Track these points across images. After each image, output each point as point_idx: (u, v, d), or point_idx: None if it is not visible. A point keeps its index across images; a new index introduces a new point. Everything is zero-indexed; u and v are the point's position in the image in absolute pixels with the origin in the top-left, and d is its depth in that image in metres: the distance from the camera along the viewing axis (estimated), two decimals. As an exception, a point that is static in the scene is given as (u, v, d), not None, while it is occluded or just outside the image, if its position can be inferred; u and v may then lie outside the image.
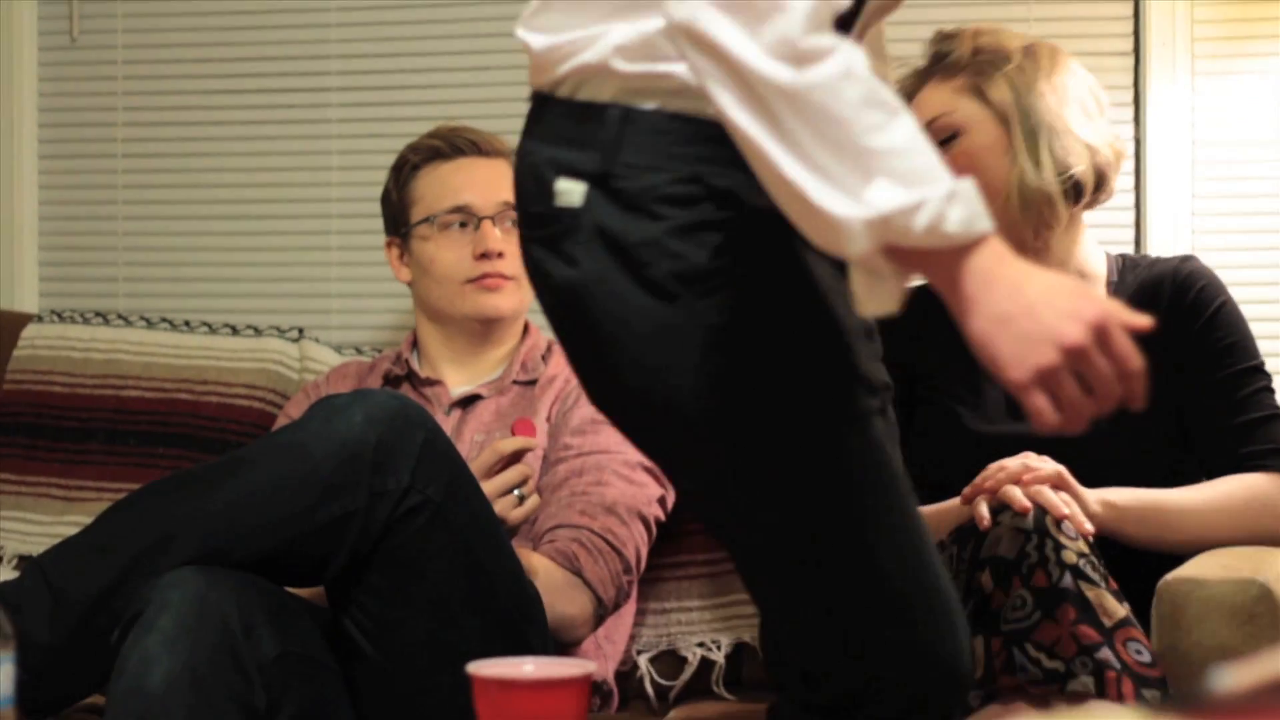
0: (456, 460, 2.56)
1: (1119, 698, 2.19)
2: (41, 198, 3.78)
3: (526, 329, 3.19)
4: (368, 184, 3.54)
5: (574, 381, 3.01)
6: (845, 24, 1.86)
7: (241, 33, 3.70)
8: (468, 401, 3.07)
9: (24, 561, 3.29)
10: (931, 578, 1.95)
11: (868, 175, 1.75)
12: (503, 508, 2.72)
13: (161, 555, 2.43)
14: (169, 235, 3.73)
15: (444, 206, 3.13)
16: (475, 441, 3.00)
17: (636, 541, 2.88)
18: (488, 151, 3.18)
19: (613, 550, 2.83)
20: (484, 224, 3.10)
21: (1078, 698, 2.22)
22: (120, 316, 3.57)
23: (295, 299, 3.66)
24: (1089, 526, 2.34)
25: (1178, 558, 2.45)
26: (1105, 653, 2.22)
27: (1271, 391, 2.62)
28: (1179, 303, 2.63)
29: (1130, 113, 3.31)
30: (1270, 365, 2.69)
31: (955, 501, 2.44)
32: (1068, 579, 2.25)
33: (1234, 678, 0.94)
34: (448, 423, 3.03)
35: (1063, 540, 2.28)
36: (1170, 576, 2.36)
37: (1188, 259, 2.71)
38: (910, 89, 2.70)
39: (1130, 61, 3.34)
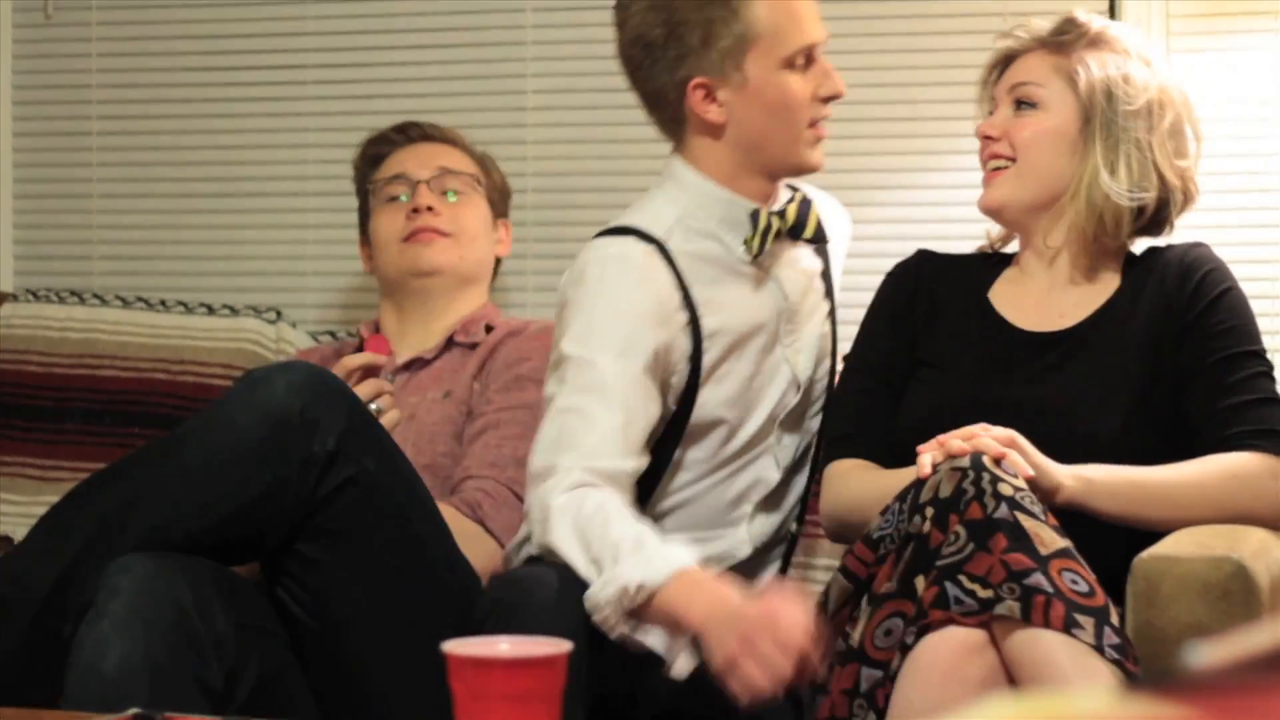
0: (383, 430, 2.60)
1: (1045, 622, 2.19)
2: (16, 175, 3.77)
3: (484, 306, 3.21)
4: (344, 162, 3.54)
5: (508, 342, 3.04)
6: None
7: (218, 9, 3.69)
8: (412, 366, 3.09)
9: (1, 541, 3.30)
10: None
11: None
12: None
13: (105, 546, 2.43)
14: (144, 214, 3.72)
15: (384, 178, 3.22)
16: (409, 403, 3.03)
17: None
18: (436, 138, 3.27)
19: (519, 501, 2.84)
20: (419, 186, 3.17)
21: (1004, 622, 2.21)
22: (96, 296, 3.56)
23: (271, 278, 3.66)
24: (1029, 470, 2.35)
25: (1152, 536, 2.45)
26: (1036, 578, 2.21)
27: (1270, 378, 2.63)
28: (1183, 286, 2.65)
29: (1106, 90, 3.31)
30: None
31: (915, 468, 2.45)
32: (1003, 509, 2.25)
33: (1207, 655, 0.94)
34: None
35: (1000, 474, 2.28)
36: (1145, 554, 2.36)
37: (1197, 245, 2.74)
38: (1017, 51, 2.75)
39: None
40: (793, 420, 2.79)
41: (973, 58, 2.97)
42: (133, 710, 2.21)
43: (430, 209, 3.16)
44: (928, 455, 2.36)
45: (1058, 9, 3.11)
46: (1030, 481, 2.35)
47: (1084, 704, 0.89)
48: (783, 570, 2.85)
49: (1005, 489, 2.27)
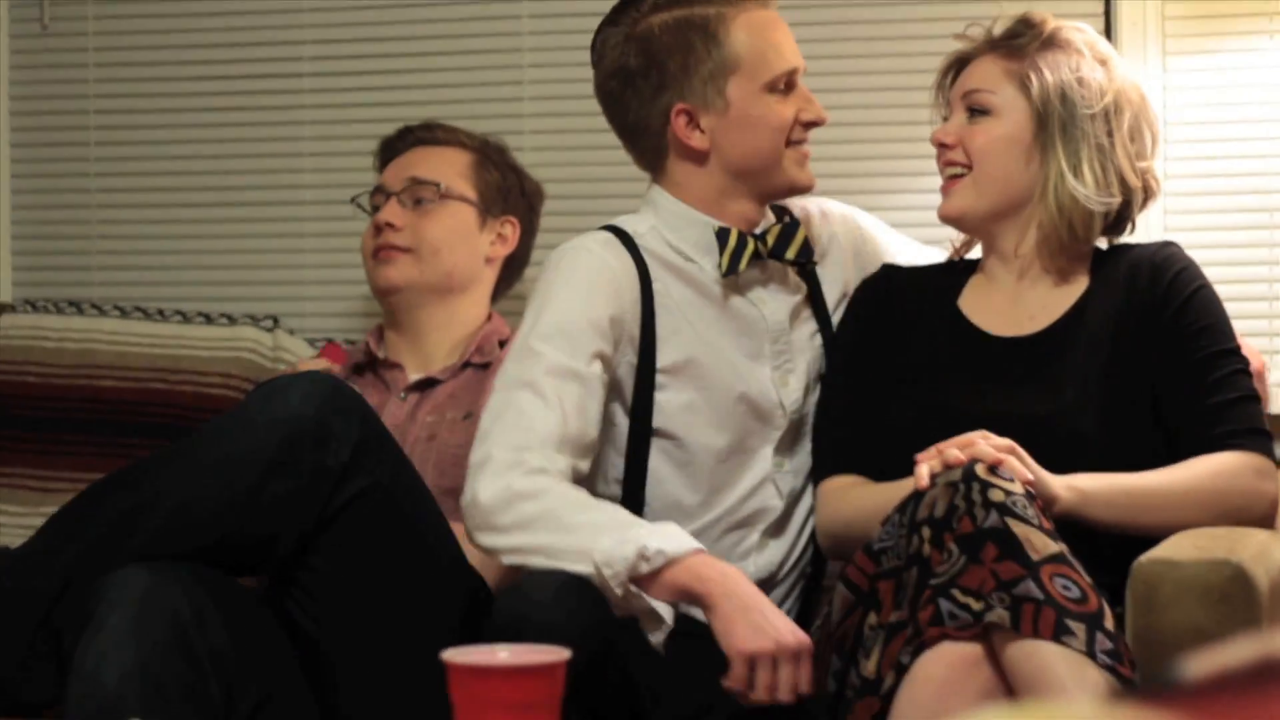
0: (395, 444, 2.59)
1: (1035, 631, 2.19)
2: (14, 186, 3.77)
3: (490, 317, 3.19)
4: (341, 170, 3.55)
5: None
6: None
7: (215, 19, 3.69)
8: (424, 386, 3.07)
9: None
10: None
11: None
12: None
13: (112, 550, 2.43)
14: (142, 224, 3.72)
15: (372, 190, 3.22)
16: (426, 423, 3.02)
17: None
18: (429, 141, 3.24)
19: None
20: (390, 199, 3.16)
21: (998, 632, 2.21)
22: (94, 306, 3.56)
23: (269, 287, 3.66)
24: (1028, 475, 2.35)
25: (1150, 541, 2.45)
26: (1027, 585, 2.21)
27: (1246, 374, 2.63)
28: (1156, 286, 2.64)
29: (1102, 93, 3.31)
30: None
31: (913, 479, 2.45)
32: (993, 517, 2.25)
33: (1200, 665, 0.94)
34: (403, 406, 3.05)
35: (991, 481, 2.28)
36: (1144, 558, 2.36)
37: (1167, 244, 2.73)
38: (969, 55, 2.73)
39: (1107, 50, 3.34)
40: (790, 446, 2.77)
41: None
42: None
43: (390, 225, 3.13)
44: (925, 466, 2.36)
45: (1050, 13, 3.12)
46: (1028, 488, 2.35)
47: (1075, 714, 0.89)
48: (806, 600, 2.82)
49: (996, 495, 2.27)
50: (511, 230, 3.23)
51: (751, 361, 2.73)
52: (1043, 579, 2.22)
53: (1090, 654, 2.19)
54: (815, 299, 2.82)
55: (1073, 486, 2.46)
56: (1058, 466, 2.47)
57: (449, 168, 3.19)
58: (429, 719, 2.16)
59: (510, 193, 3.25)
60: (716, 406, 2.71)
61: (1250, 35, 3.27)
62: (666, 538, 2.40)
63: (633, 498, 2.68)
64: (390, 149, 3.27)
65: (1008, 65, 2.67)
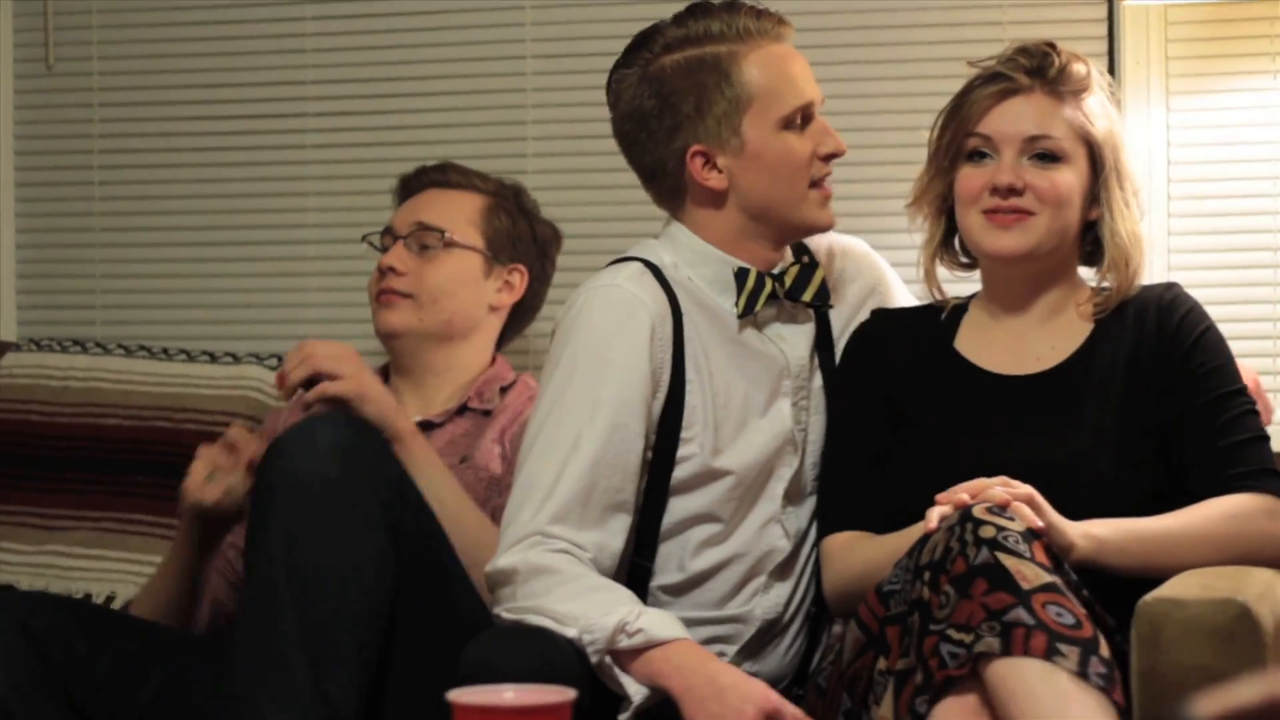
0: (416, 489, 2.65)
1: (1025, 652, 2.18)
2: (19, 225, 3.78)
3: (494, 361, 3.18)
4: (345, 209, 3.55)
5: (527, 410, 2.99)
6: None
7: (218, 59, 3.70)
8: (422, 429, 3.03)
9: (2, 591, 3.29)
10: None
11: None
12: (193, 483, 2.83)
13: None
14: (147, 263, 3.73)
15: (382, 230, 3.20)
16: None
17: None
18: (441, 183, 3.21)
19: None
20: (396, 243, 3.13)
21: (987, 662, 2.20)
22: (98, 344, 3.57)
23: (273, 325, 3.66)
24: (1037, 521, 2.34)
25: (1156, 580, 2.45)
26: (1016, 612, 2.20)
27: (1255, 414, 2.63)
28: (1164, 327, 2.64)
29: (1105, 132, 3.32)
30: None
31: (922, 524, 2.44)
32: (984, 553, 2.24)
33: (1206, 704, 0.94)
34: None
35: (985, 519, 2.28)
36: (1149, 597, 2.35)
37: (1171, 286, 2.72)
38: (1016, 89, 2.64)
39: (1112, 83, 3.34)
40: (798, 488, 2.76)
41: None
42: None
43: (392, 269, 3.11)
44: (937, 510, 2.35)
45: (1055, 34, 3.12)
46: (1046, 536, 2.36)
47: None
48: (811, 639, 2.81)
49: (987, 531, 2.27)
50: (520, 278, 3.19)
51: (769, 400, 2.72)
52: (1034, 606, 2.21)
53: (1083, 675, 2.18)
54: (824, 340, 2.81)
55: (1089, 534, 2.45)
56: (1076, 509, 2.47)
57: (458, 213, 3.16)
58: None
59: (521, 240, 3.20)
60: (733, 448, 2.69)
61: (1253, 75, 3.28)
62: (653, 619, 2.44)
63: (647, 529, 2.68)
64: (406, 188, 3.25)
65: (1063, 110, 2.63)
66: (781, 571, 2.74)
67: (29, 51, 3.78)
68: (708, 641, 2.61)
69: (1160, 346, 2.63)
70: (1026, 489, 2.38)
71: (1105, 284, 2.70)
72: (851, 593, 2.57)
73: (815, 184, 2.70)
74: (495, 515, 2.79)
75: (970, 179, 2.65)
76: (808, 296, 2.74)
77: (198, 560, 2.91)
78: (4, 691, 2.48)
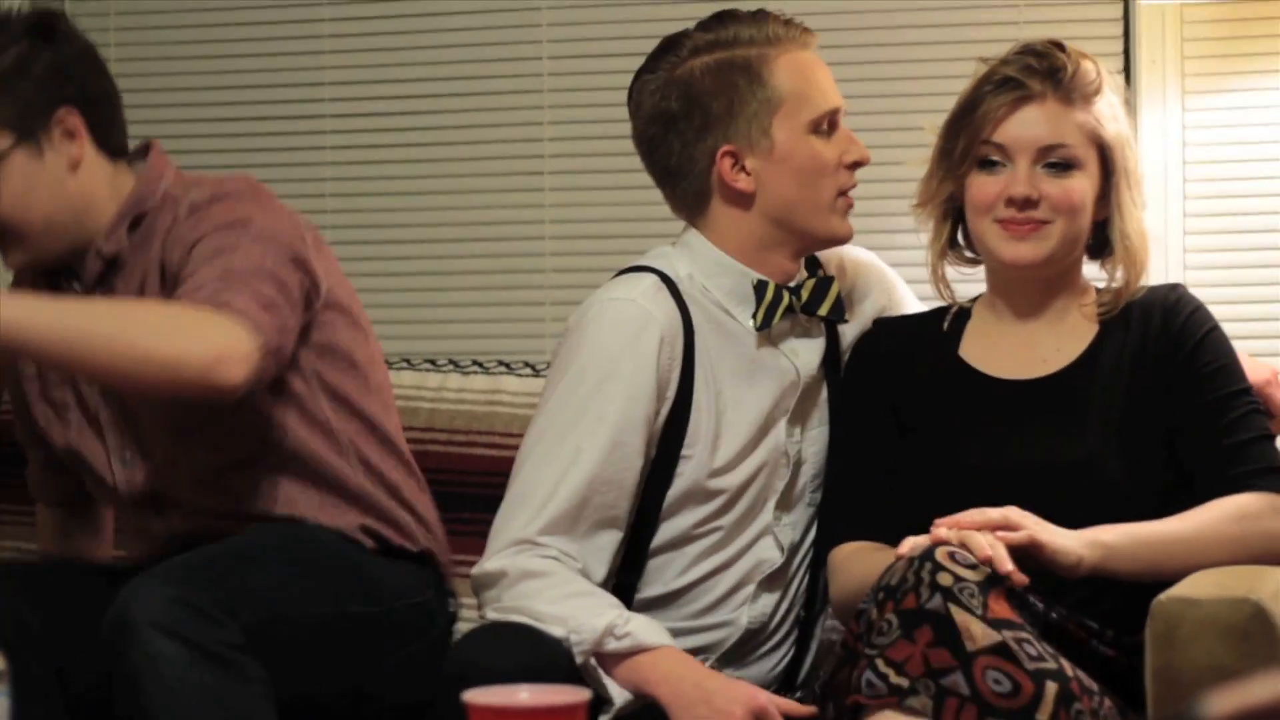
0: None
1: None
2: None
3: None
4: (360, 226, 3.58)
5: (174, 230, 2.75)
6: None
7: (234, 76, 3.72)
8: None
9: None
10: None
11: None
12: None
13: None
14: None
15: None
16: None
17: None
18: None
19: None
20: None
21: (914, 713, 2.21)
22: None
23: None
24: (1010, 569, 2.31)
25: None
26: (955, 678, 2.21)
27: (1260, 413, 2.63)
28: (1169, 328, 2.64)
29: (1121, 132, 3.32)
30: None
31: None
32: (936, 600, 2.24)
33: (1221, 702, 0.94)
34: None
35: (944, 564, 2.27)
36: (1164, 595, 2.35)
37: (1175, 287, 2.72)
38: (1029, 95, 2.61)
39: (1120, 80, 3.34)
40: (791, 499, 2.75)
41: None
42: None
43: None
44: (910, 541, 2.35)
45: (1071, 33, 3.12)
46: (1049, 560, 2.37)
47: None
48: (800, 647, 2.80)
49: (944, 579, 2.26)
50: (74, 120, 2.70)
51: (773, 414, 2.71)
52: (974, 672, 2.21)
53: None
54: (832, 354, 2.79)
55: (1096, 542, 2.44)
56: (1084, 512, 2.48)
57: None
58: None
59: (44, 87, 2.68)
60: (730, 464, 2.69)
61: (1268, 74, 3.28)
62: (641, 624, 2.48)
63: (637, 545, 2.68)
64: None
65: (1074, 115, 2.62)
66: (771, 582, 2.73)
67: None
68: (690, 650, 2.60)
69: (1165, 347, 2.63)
70: (1025, 534, 2.38)
71: (1114, 282, 2.69)
72: (854, 604, 2.57)
73: (841, 193, 2.70)
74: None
75: (984, 187, 2.64)
76: (824, 310, 2.72)
77: None
78: None
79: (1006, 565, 2.31)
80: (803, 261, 2.78)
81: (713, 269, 2.70)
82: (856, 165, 2.71)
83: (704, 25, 2.70)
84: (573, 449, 2.58)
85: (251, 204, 2.69)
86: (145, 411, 2.72)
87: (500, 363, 3.34)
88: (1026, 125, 2.62)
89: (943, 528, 2.36)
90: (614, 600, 2.54)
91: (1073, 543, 2.42)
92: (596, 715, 2.44)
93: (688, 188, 2.70)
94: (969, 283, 2.78)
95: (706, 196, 2.70)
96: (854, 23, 3.45)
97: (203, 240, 2.62)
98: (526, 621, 2.47)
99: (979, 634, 2.23)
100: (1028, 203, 2.60)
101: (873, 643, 2.26)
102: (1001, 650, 2.23)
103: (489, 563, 2.55)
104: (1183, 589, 2.38)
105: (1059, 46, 2.65)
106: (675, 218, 2.79)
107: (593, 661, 2.46)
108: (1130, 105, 3.28)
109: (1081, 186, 2.62)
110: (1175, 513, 2.53)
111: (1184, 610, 2.33)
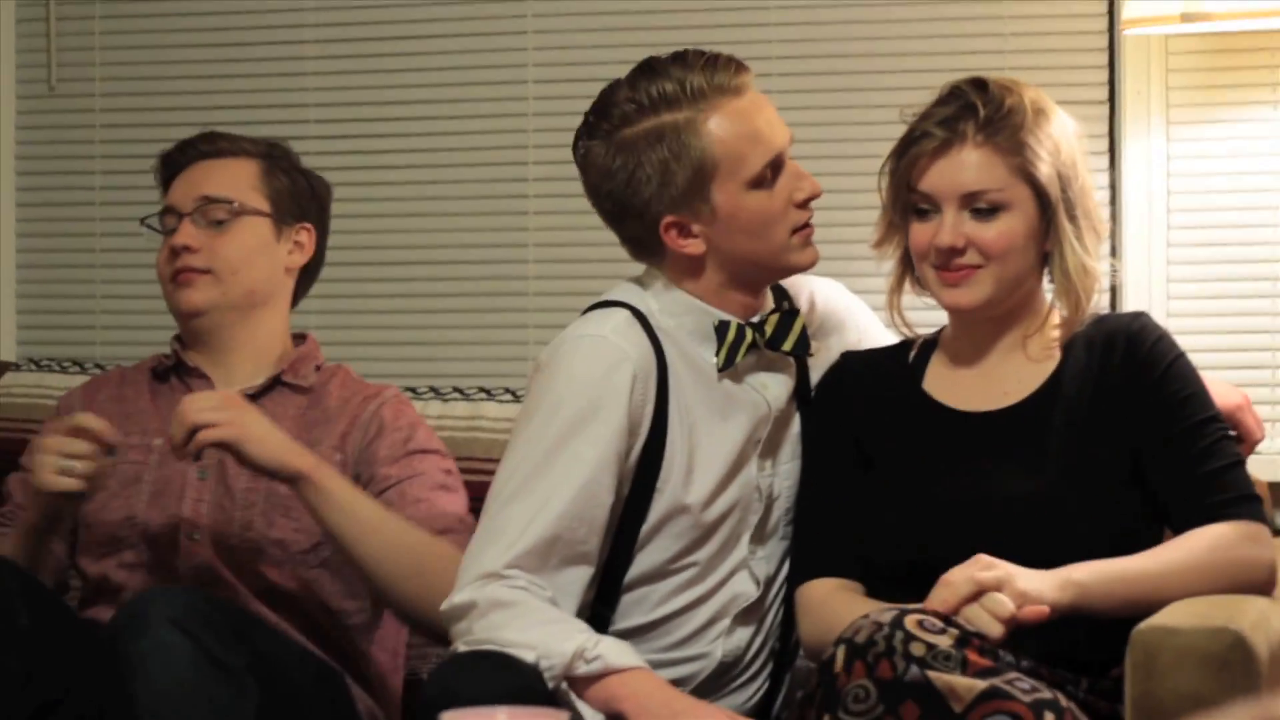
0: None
1: None
2: (19, 245, 3.79)
3: (305, 338, 3.11)
4: (343, 232, 3.56)
5: (366, 407, 2.98)
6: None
7: (220, 80, 3.71)
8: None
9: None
10: None
11: None
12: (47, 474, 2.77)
13: None
14: (147, 284, 3.70)
15: (161, 209, 3.11)
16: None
17: None
18: (212, 154, 3.11)
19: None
20: (182, 221, 3.04)
21: None
22: (98, 365, 3.57)
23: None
24: (998, 630, 2.32)
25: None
26: None
27: (1230, 439, 2.62)
28: (1133, 356, 2.61)
29: (1105, 161, 3.32)
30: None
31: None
32: (913, 671, 2.23)
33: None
34: None
35: (916, 633, 2.26)
36: (1144, 624, 2.35)
37: (1138, 315, 2.69)
38: (946, 146, 2.58)
39: (1105, 110, 3.36)
40: (765, 533, 2.73)
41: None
42: None
43: (186, 247, 3.03)
44: (894, 610, 2.33)
45: (1056, 62, 3.12)
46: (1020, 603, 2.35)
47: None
48: (775, 680, 2.79)
49: (916, 649, 2.25)
50: (308, 237, 3.12)
51: (746, 448, 2.69)
52: None
53: None
54: (803, 388, 2.77)
55: (1069, 582, 2.42)
56: (1048, 543, 2.48)
57: (239, 180, 3.08)
58: None
59: (301, 197, 3.13)
60: (705, 499, 2.67)
61: (1254, 105, 3.29)
62: (611, 647, 2.47)
63: (610, 579, 2.68)
64: (172, 165, 3.14)
65: (1003, 157, 2.57)
66: (746, 616, 2.72)
67: (32, 72, 3.79)
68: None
69: (1130, 375, 2.61)
70: (971, 578, 2.36)
71: (1064, 312, 2.67)
72: (824, 649, 2.55)
73: (796, 230, 2.65)
74: None
75: (919, 235, 2.62)
76: (788, 346, 2.69)
77: (46, 538, 2.91)
78: None
79: (995, 630, 2.32)
80: (770, 293, 2.76)
81: (674, 308, 2.68)
82: (808, 201, 2.66)
83: (631, 81, 2.64)
84: (545, 488, 2.56)
85: None
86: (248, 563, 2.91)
87: (481, 389, 3.33)
88: (947, 174, 2.59)
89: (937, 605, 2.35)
90: (583, 625, 2.52)
91: (1044, 585, 2.40)
92: None
93: (643, 253, 2.70)
94: (937, 311, 2.76)
95: (662, 259, 2.68)
96: (834, 50, 3.45)
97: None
98: (499, 649, 2.47)
99: (963, 690, 2.22)
100: (954, 251, 2.58)
101: (841, 700, 2.25)
102: (994, 694, 2.22)
103: (458, 596, 2.54)
104: (1162, 618, 2.37)
105: (981, 86, 2.61)
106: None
107: (564, 686, 2.45)
108: (1114, 136, 3.30)
109: (1011, 228, 2.58)
110: (1140, 541, 2.53)
111: (1163, 639, 2.32)
